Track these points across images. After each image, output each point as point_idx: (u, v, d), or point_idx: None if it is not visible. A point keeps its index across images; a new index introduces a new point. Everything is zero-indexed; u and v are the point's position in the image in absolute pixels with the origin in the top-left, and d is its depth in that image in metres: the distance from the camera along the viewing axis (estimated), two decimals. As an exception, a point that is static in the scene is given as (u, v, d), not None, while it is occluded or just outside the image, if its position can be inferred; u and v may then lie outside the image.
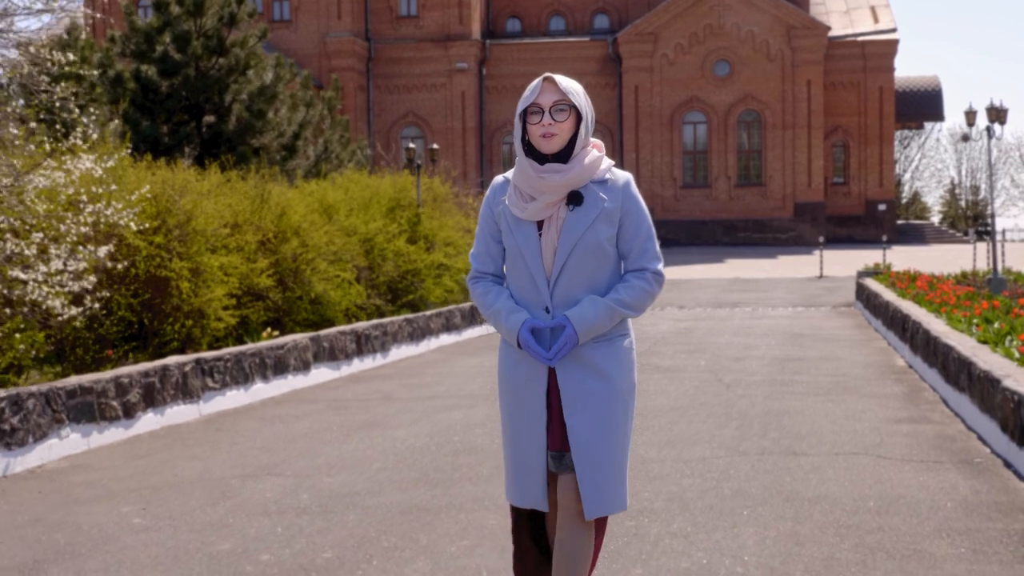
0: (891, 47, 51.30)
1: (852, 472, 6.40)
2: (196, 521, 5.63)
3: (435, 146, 21.47)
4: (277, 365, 10.88)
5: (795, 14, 49.51)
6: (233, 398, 9.99)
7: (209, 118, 19.95)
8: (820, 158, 49.91)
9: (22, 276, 7.60)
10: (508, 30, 53.84)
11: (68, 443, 7.75)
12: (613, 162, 3.45)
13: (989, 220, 34.89)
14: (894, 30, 51.87)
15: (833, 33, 50.70)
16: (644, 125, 50.49)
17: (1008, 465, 6.49)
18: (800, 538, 5.01)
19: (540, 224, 3.39)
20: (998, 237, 47.34)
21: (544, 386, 3.41)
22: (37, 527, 5.60)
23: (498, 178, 3.56)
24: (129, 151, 11.03)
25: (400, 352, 14.06)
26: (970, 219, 69.57)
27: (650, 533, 5.15)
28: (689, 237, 49.08)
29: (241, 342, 11.32)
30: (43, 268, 7.58)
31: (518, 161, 3.43)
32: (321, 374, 11.78)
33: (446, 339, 15.84)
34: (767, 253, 44.28)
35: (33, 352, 8.39)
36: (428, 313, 15.41)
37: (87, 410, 8.00)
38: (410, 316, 14.75)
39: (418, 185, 18.51)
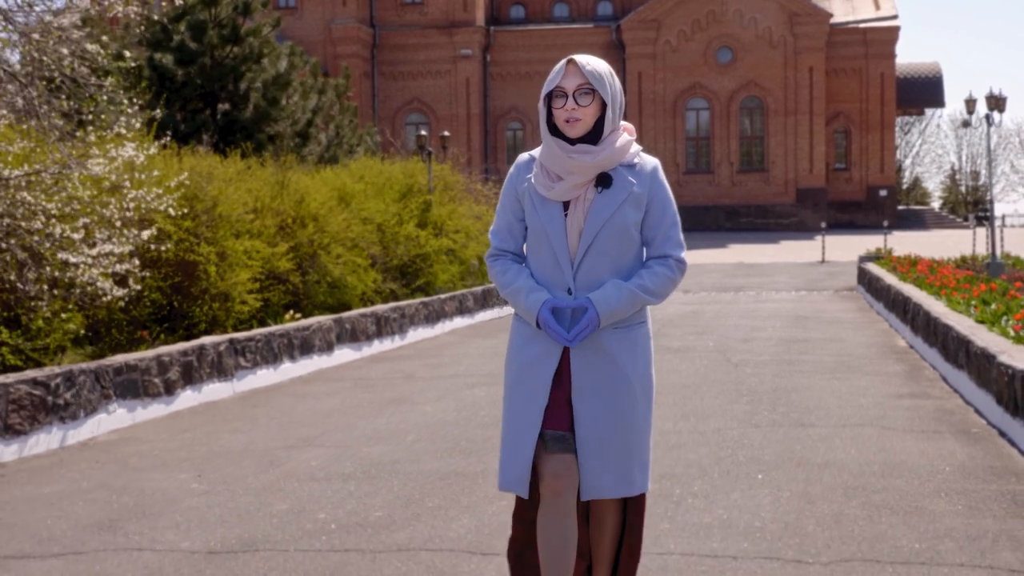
0: (892, 34, 51.64)
1: (858, 441, 6.86)
2: (251, 486, 6.09)
3: (446, 133, 21.87)
4: (303, 345, 11.33)
5: (797, 1, 49.84)
6: (263, 376, 10.44)
7: (224, 106, 20.34)
8: (822, 144, 50.32)
9: (72, 259, 8.03)
10: (512, 16, 54.15)
11: (115, 417, 8.21)
12: (641, 147, 3.44)
13: (985, 208, 35.31)
14: (895, 17, 52.19)
15: (835, 20, 51.04)
16: (647, 111, 50.86)
17: (1003, 434, 6.95)
18: (811, 497, 5.47)
19: (566, 205, 3.35)
20: (998, 222, 47.34)
21: (554, 367, 3.37)
22: (104, 491, 6.06)
23: (523, 156, 3.52)
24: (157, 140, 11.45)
25: (417, 334, 14.51)
26: (970, 204, 69.92)
27: (673, 494, 5.61)
28: (692, 222, 49.46)
29: (263, 324, 11.74)
30: (92, 251, 8.00)
31: (544, 140, 3.38)
32: (344, 354, 12.23)
33: (460, 322, 16.29)
34: (769, 238, 44.70)
35: (71, 333, 8.84)
36: (443, 296, 15.86)
37: (132, 387, 8.45)
38: (426, 299, 15.19)
39: (429, 172, 18.91)
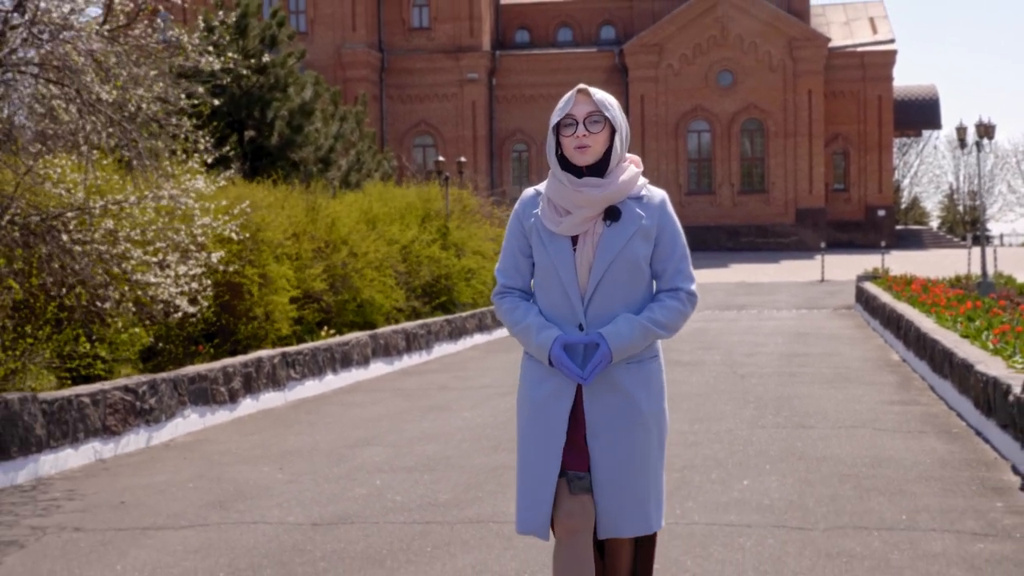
0: (889, 57, 52.81)
1: (852, 439, 7.85)
2: (328, 476, 7.07)
3: (463, 159, 22.91)
4: (343, 359, 12.32)
5: (796, 26, 51.03)
6: (310, 387, 11.43)
7: (250, 133, 21.40)
8: (821, 165, 51.41)
9: (153, 279, 9.02)
10: (517, 41, 55.35)
11: (190, 421, 9.20)
12: (647, 180, 3.45)
13: (984, 228, 36.32)
14: (892, 41, 53.37)
15: (833, 44, 52.20)
16: (650, 133, 51.96)
17: (978, 433, 7.94)
18: (811, 482, 6.46)
19: (574, 239, 3.34)
20: (995, 242, 48.28)
21: (569, 406, 3.33)
22: (203, 480, 7.04)
23: (528, 191, 3.48)
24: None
25: (441, 349, 15.51)
26: (968, 224, 70.95)
27: (694, 480, 6.59)
28: (694, 242, 49.80)
29: (300, 340, 12.71)
30: (172, 271, 9.00)
31: (552, 174, 3.37)
32: (378, 368, 13.22)
33: (480, 338, 17.30)
34: (770, 258, 45.72)
35: (142, 347, 9.82)
36: (464, 315, 16.86)
37: (203, 394, 9.44)
38: (449, 317, 16.20)
39: (446, 197, 19.95)
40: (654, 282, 3.43)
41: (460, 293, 17.98)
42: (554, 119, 3.33)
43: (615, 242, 3.30)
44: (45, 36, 7.29)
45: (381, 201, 18.36)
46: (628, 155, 3.40)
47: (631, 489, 3.31)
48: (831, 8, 56.19)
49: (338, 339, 12.39)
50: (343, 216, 15.05)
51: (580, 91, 3.32)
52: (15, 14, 7.13)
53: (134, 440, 8.40)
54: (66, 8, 7.25)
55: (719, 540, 5.26)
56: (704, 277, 33.77)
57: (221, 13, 15.55)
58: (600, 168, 3.32)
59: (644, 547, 3.48)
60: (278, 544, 5.39)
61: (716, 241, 51.56)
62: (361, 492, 6.54)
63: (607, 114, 3.30)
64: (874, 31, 53.96)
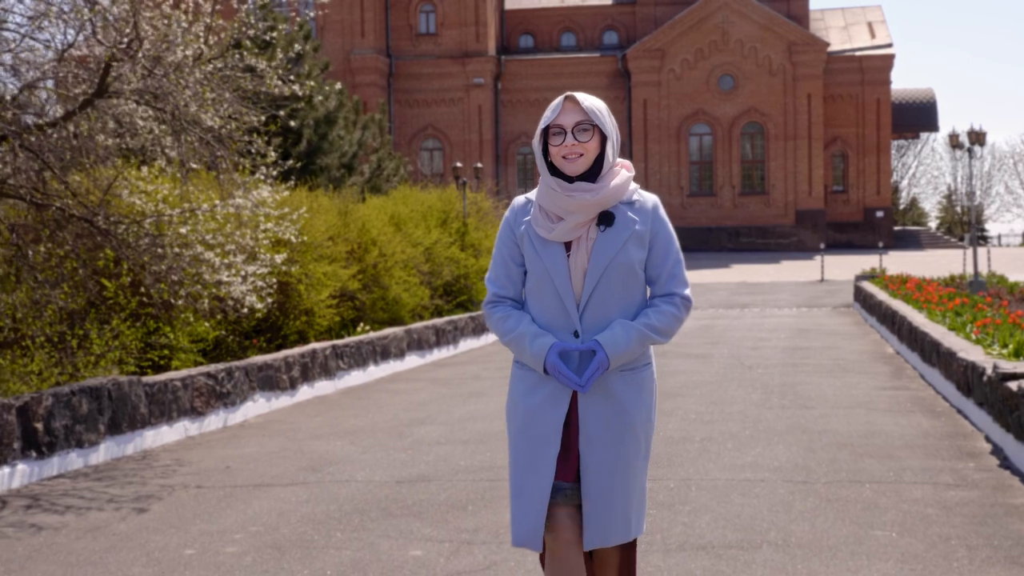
0: (887, 61, 53.95)
1: (849, 417, 8.97)
2: (395, 447, 8.18)
3: (479, 165, 24.04)
4: (383, 352, 13.44)
5: (796, 31, 52.19)
6: (356, 377, 12.54)
7: (276, 139, 22.50)
8: (820, 167, 52.57)
9: (225, 278, 10.13)
10: (521, 46, 56.48)
11: (258, 405, 10.31)
12: (639, 185, 3.40)
13: (979, 228, 37.42)
14: (890, 45, 54.52)
15: (832, 48, 53.37)
16: (652, 137, 53.14)
17: (960, 411, 9.06)
18: (814, 449, 7.58)
19: (568, 246, 3.29)
20: (993, 242, 49.52)
21: (563, 414, 3.29)
22: (288, 452, 8.15)
23: (518, 198, 3.43)
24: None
25: (467, 344, 16.63)
26: (966, 225, 72.05)
27: (712, 449, 7.71)
28: (696, 243, 51.61)
29: (338, 336, 13.82)
30: (242, 271, 10.11)
31: (542, 180, 3.32)
32: (412, 360, 14.34)
33: (500, 334, 18.41)
34: (770, 258, 46.86)
35: (209, 341, 10.93)
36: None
37: (268, 381, 10.56)
38: (473, 314, 17.32)
39: (464, 200, 21.07)
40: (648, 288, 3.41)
41: (478, 292, 19.11)
42: (541, 126, 3.30)
43: (609, 247, 3.27)
44: (143, 71, 8.39)
45: (404, 204, 19.49)
46: (619, 160, 3.36)
47: (619, 499, 3.29)
48: (830, 13, 57.36)
49: (377, 334, 13.51)
50: (372, 219, 16.16)
51: (568, 98, 3.27)
52: (123, 49, 8.23)
53: (214, 420, 9.51)
54: (174, 51, 8.37)
55: (738, 491, 6.38)
56: (706, 277, 34.96)
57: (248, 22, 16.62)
58: (591, 176, 3.28)
59: (626, 553, 3.47)
60: (372, 496, 6.51)
61: (717, 242, 52.69)
62: (429, 459, 7.66)
63: (597, 121, 3.26)
64: (872, 35, 55.11)
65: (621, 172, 3.32)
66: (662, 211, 3.37)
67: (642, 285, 3.36)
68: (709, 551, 5.15)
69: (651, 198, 3.36)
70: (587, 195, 3.23)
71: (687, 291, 3.36)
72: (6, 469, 7.04)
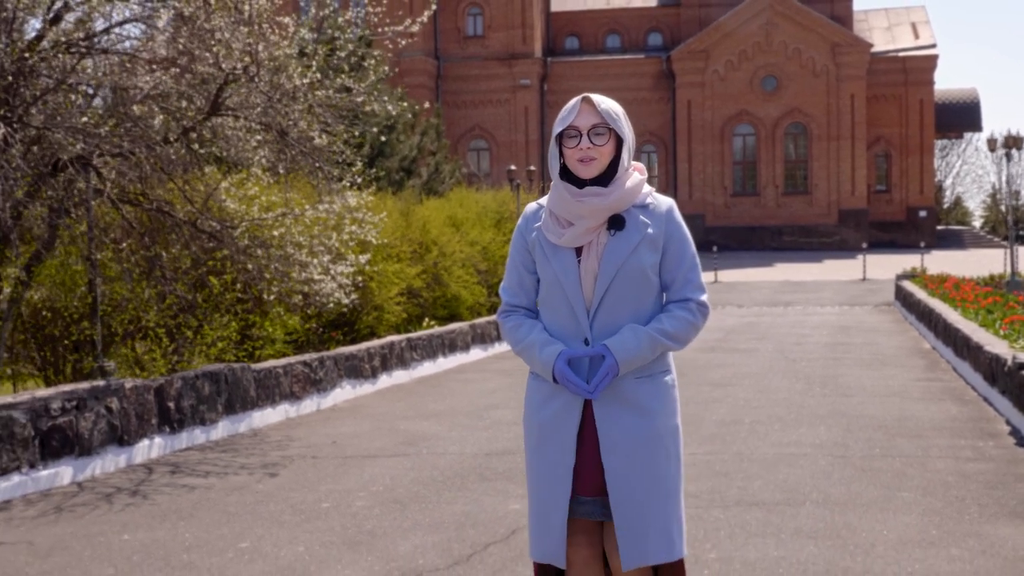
0: (931, 62, 54.37)
1: (885, 404, 9.90)
2: (477, 427, 9.21)
3: (532, 168, 25.05)
4: (450, 345, 14.50)
5: (839, 32, 52.75)
6: (427, 368, 13.61)
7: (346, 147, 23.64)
8: (863, 167, 53.10)
9: (317, 276, 11.21)
10: (567, 47, 57.46)
11: (344, 392, 11.39)
12: (653, 188, 3.31)
13: (1020, 229, 37.86)
14: (934, 45, 54.93)
15: (875, 49, 53.86)
16: (696, 137, 53.92)
17: (986, 400, 9.97)
18: (851, 430, 8.54)
19: (579, 251, 3.21)
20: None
21: (577, 423, 3.20)
22: (382, 431, 9.21)
23: (531, 205, 3.37)
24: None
25: (525, 339, 17.64)
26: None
27: (761, 430, 8.68)
28: (739, 242, 52.38)
29: (406, 331, 14.85)
30: (332, 270, 11.19)
31: (553, 185, 3.25)
32: (476, 353, 15.39)
33: (555, 330, 19.41)
34: (813, 257, 47.48)
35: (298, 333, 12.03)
36: (542, 308, 18.99)
37: (354, 370, 11.64)
38: (530, 311, 18.33)
39: (517, 201, 22.09)
40: (663, 293, 3.32)
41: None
42: (556, 128, 3.22)
43: (620, 252, 3.18)
44: (260, 95, 9.49)
45: (460, 206, 20.53)
46: (633, 163, 3.28)
47: (653, 510, 3.16)
48: (873, 14, 57.83)
49: (444, 328, 14.57)
50: (432, 220, 17.21)
51: (584, 100, 3.20)
52: (242, 72, 9.33)
53: (309, 404, 10.60)
54: (290, 77, 9.47)
55: (784, 462, 7.36)
56: (750, 276, 35.76)
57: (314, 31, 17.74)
58: (604, 180, 3.20)
59: None
60: (467, 464, 7.55)
61: (760, 241, 53.38)
62: (511, 436, 8.69)
63: (613, 125, 3.18)
64: (916, 36, 55.53)
65: (634, 175, 3.25)
66: (677, 214, 3.29)
67: (656, 291, 3.27)
68: (761, 507, 6.14)
69: (666, 201, 3.28)
70: (597, 199, 3.16)
71: (703, 297, 3.27)
72: (146, 441, 8.16)
